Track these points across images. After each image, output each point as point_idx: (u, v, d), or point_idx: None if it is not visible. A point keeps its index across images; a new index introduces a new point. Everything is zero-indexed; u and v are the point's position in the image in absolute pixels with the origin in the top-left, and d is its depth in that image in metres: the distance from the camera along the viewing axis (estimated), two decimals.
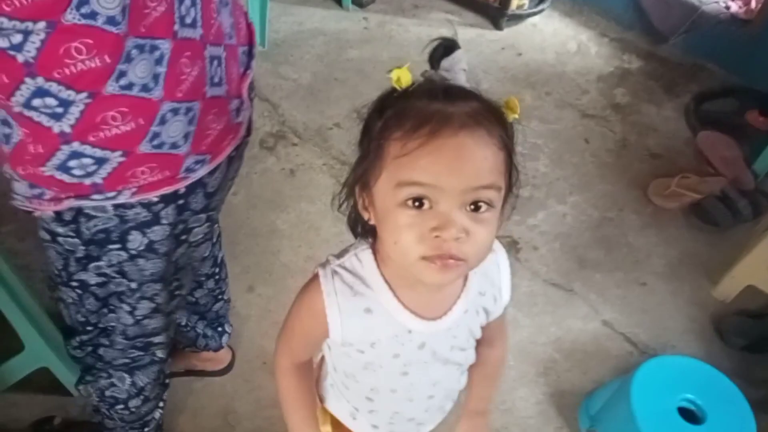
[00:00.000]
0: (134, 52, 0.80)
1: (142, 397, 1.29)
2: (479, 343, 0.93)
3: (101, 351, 1.19)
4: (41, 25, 0.73)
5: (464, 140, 0.66)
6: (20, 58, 0.75)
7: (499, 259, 0.87)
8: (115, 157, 0.87)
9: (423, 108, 0.68)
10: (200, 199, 1.02)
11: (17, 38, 0.73)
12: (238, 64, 1.00)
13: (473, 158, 0.67)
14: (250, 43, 1.06)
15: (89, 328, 1.15)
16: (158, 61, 0.83)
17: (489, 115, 0.69)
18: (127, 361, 1.22)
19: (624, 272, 2.04)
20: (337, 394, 0.98)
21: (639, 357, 1.81)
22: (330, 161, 2.26)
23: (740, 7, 2.76)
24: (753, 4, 2.73)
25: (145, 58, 0.81)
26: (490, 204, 0.69)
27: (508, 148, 0.70)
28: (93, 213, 0.93)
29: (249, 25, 1.07)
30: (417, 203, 0.67)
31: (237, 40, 0.99)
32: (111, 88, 0.81)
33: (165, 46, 0.83)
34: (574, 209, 2.22)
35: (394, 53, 2.75)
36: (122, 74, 0.80)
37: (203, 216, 1.07)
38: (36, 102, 0.80)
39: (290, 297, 0.89)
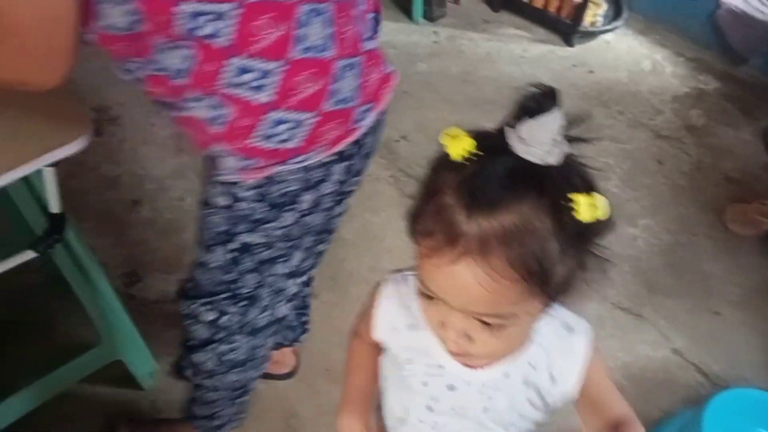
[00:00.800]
0: (304, 18, 0.87)
1: (257, 360, 1.32)
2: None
3: (226, 318, 1.20)
4: (232, 6, 0.81)
5: (462, 270, 0.61)
6: (219, 43, 0.84)
7: (575, 342, 0.76)
8: (308, 119, 0.94)
9: (443, 210, 0.61)
10: (360, 160, 1.07)
11: (216, 24, 0.82)
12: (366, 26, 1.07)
13: (468, 289, 0.62)
14: (377, 11, 1.11)
15: (228, 293, 1.17)
16: (326, 23, 0.90)
17: (513, 239, 0.59)
18: (262, 319, 1.24)
19: (696, 299, 1.98)
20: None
21: (710, 388, 1.74)
22: (396, 173, 2.27)
23: None
24: None
25: (317, 20, 0.89)
26: (499, 324, 0.65)
27: (535, 273, 0.61)
28: (282, 177, 0.99)
29: None
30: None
31: (366, 7, 1.05)
32: (297, 53, 0.88)
33: (330, 8, 0.90)
34: (645, 232, 2.16)
35: (463, 67, 2.75)
36: (303, 38, 0.88)
37: (356, 180, 1.12)
38: (239, 80, 0.88)
39: (353, 305, 0.91)
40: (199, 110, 0.94)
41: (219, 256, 1.12)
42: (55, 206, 1.15)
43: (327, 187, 1.04)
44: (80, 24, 0.82)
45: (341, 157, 1.02)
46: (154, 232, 1.95)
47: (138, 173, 2.10)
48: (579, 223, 0.60)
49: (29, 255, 1.19)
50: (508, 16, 3.06)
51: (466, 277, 0.61)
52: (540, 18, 3.02)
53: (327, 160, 1.00)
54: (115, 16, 0.82)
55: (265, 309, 1.24)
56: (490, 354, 0.71)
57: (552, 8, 2.95)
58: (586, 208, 0.59)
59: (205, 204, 1.09)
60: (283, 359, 1.66)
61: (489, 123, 0.65)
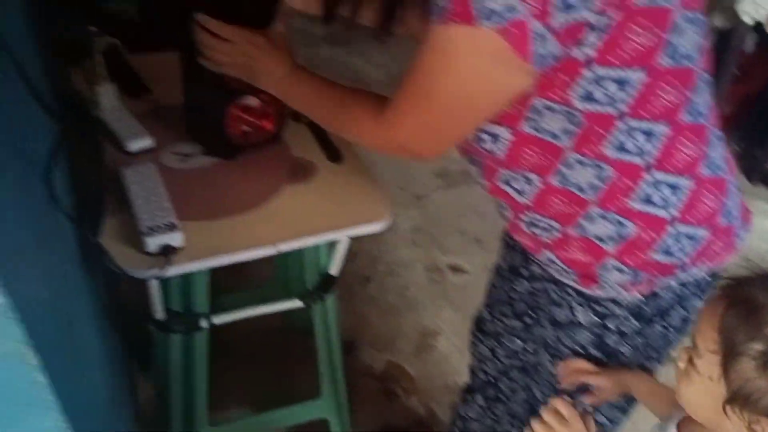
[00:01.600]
0: (713, 139, 0.91)
1: None
2: None
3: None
4: (664, 125, 0.84)
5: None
6: (640, 160, 0.85)
7: None
8: (704, 234, 0.93)
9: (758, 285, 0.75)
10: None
11: (643, 142, 0.84)
12: None
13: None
14: None
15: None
16: (722, 146, 0.95)
17: (742, 306, 0.73)
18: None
19: None
20: None
21: None
22: None
23: None
24: None
25: (718, 143, 0.93)
26: (691, 361, 0.78)
27: (722, 339, 0.74)
28: (661, 292, 0.97)
29: None
30: None
31: None
32: (705, 171, 0.90)
33: (722, 135, 0.96)
34: None
35: None
36: (709, 157, 0.90)
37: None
38: (649, 196, 0.88)
39: None
40: (597, 228, 0.92)
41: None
42: (334, 270, 1.32)
43: (695, 305, 1.00)
44: (505, 122, 0.86)
45: (712, 275, 0.99)
46: (376, 310, 2.11)
47: (374, 254, 2.30)
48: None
49: (297, 304, 1.36)
50: (765, 192, 2.92)
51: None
52: None
53: (702, 277, 0.97)
54: (551, 123, 0.84)
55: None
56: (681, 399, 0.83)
57: None
58: None
59: (557, 323, 1.05)
60: None
61: None
